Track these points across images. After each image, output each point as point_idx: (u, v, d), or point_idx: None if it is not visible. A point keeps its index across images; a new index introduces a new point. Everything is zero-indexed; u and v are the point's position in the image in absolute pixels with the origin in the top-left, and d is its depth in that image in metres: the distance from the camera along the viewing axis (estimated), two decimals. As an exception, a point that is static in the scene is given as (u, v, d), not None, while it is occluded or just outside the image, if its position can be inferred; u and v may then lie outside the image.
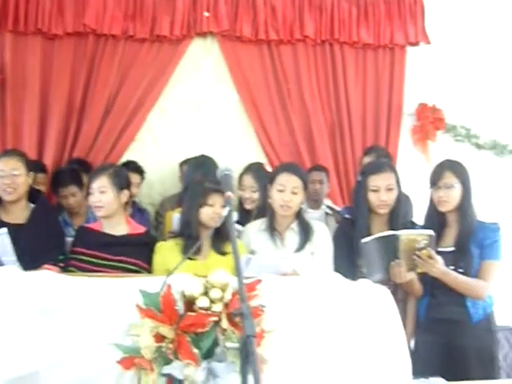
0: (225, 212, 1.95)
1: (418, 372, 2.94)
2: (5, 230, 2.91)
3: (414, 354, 3.14)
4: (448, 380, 2.71)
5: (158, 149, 4.87)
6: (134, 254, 3.09)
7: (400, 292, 3.21)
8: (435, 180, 3.13)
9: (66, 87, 4.63)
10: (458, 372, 2.90)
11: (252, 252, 3.15)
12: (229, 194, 2.03)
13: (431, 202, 3.19)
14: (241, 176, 3.77)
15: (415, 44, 5.11)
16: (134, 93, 4.71)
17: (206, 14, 4.76)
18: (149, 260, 3.08)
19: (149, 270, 3.05)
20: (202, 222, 3.01)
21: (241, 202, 3.82)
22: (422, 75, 5.10)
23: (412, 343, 3.24)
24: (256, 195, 3.65)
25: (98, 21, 4.63)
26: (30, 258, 2.88)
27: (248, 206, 3.70)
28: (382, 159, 3.64)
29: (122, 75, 4.72)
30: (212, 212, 2.98)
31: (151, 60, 4.76)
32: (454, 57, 5.13)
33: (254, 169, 3.79)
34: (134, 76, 4.73)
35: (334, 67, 4.99)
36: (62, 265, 3.11)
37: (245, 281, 1.78)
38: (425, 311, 3.19)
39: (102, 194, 3.12)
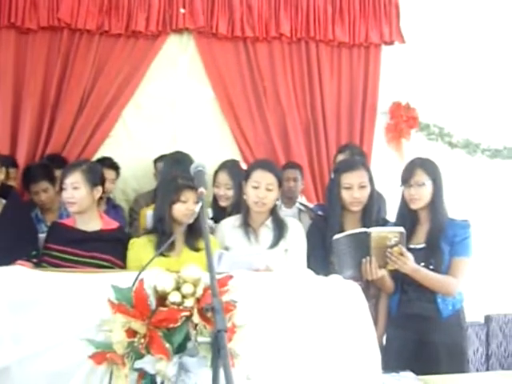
0: (197, 208, 1.95)
1: (389, 366, 2.99)
2: None
3: (386, 349, 3.22)
4: (418, 374, 2.76)
5: (133, 145, 4.85)
6: (106, 249, 3.08)
7: (372, 288, 3.25)
8: (406, 178, 3.17)
9: (39, 82, 4.59)
10: (427, 366, 2.95)
11: (226, 248, 3.15)
12: (201, 190, 2.04)
13: (403, 199, 3.23)
14: (216, 173, 3.78)
15: (390, 43, 5.15)
16: (109, 88, 4.69)
17: (182, 10, 4.75)
18: (122, 256, 3.07)
19: (122, 266, 3.04)
20: (175, 218, 3.01)
21: (215, 199, 3.82)
22: (397, 74, 5.14)
23: (384, 339, 3.29)
24: (231, 192, 3.66)
25: (73, 15, 4.59)
26: (2, 254, 2.84)
27: (223, 204, 3.71)
28: (356, 157, 3.67)
29: (97, 71, 4.69)
30: (185, 208, 2.98)
31: (126, 56, 4.74)
32: (429, 56, 5.19)
33: (229, 166, 3.80)
34: (108, 72, 4.70)
35: (309, 65, 5.01)
36: (35, 261, 3.09)
37: (217, 276, 1.79)
38: (396, 307, 3.22)
39: (75, 190, 3.10)
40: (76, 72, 4.64)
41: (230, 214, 3.49)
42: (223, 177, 3.70)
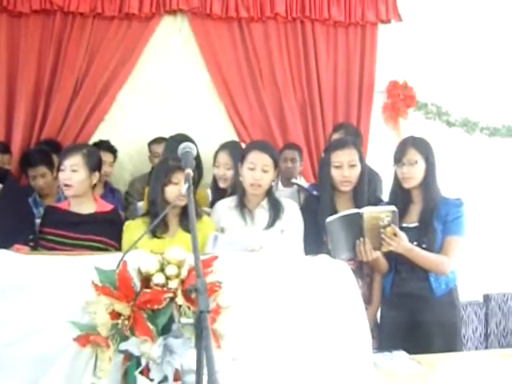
0: (184, 189, 1.94)
1: (383, 346, 3.01)
2: None
3: (380, 329, 3.22)
4: (411, 353, 2.76)
5: (128, 128, 4.83)
6: (100, 231, 3.10)
7: (366, 268, 3.25)
8: (399, 157, 3.15)
9: (33, 66, 4.57)
10: (421, 345, 2.96)
11: (222, 229, 3.15)
12: (188, 171, 2.02)
13: (395, 178, 3.21)
14: (216, 153, 3.75)
15: (386, 22, 5.11)
16: (103, 72, 4.66)
17: (175, -10, 4.70)
18: (116, 237, 3.09)
19: (116, 248, 3.06)
20: (168, 200, 3.00)
21: (215, 181, 3.81)
22: (394, 53, 5.10)
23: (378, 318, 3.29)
24: (230, 173, 3.62)
25: (66, -2, 4.54)
26: (-1, 239, 2.85)
27: (222, 185, 3.68)
28: (349, 136, 3.64)
29: (91, 54, 4.67)
30: (177, 190, 2.97)
31: (120, 38, 4.71)
32: (426, 34, 5.13)
33: (230, 146, 3.77)
34: (102, 55, 4.68)
35: (305, 45, 4.97)
36: (31, 244, 3.10)
37: (202, 257, 1.78)
38: (389, 287, 3.22)
39: (74, 173, 3.10)
40: (70, 56, 4.61)
41: (229, 196, 3.48)
42: (223, 156, 3.67)
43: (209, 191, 3.83)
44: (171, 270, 1.90)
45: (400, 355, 2.74)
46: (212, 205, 3.44)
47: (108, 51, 4.68)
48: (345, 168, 3.16)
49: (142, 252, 1.98)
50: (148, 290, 1.89)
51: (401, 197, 3.18)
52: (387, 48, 5.12)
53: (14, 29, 4.58)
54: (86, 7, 4.59)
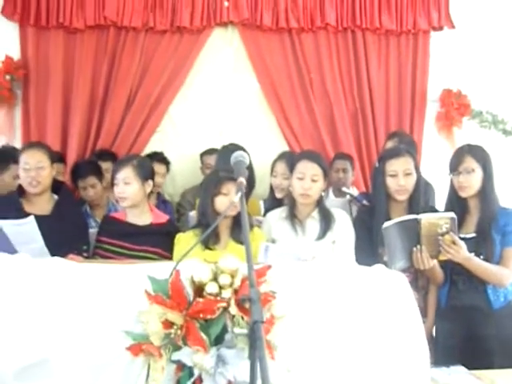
0: (236, 198, 1.92)
1: (439, 360, 2.91)
2: (32, 217, 2.92)
3: (435, 343, 3.13)
4: (469, 369, 2.67)
5: (180, 140, 4.89)
6: (156, 243, 3.14)
7: (421, 280, 3.18)
8: (455, 165, 3.07)
9: (88, 80, 4.68)
10: (480, 360, 2.85)
11: (273, 240, 3.14)
12: (241, 180, 2.00)
13: (452, 187, 3.13)
14: (274, 163, 3.76)
15: (439, 29, 5.03)
16: (156, 84, 4.74)
17: (225, 3, 4.75)
18: (170, 248, 3.10)
19: (170, 259, 3.06)
20: (218, 211, 3.00)
21: (272, 191, 3.80)
22: (447, 60, 5.02)
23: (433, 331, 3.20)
24: (286, 183, 3.61)
25: (119, 13, 4.66)
26: (54, 249, 2.88)
27: (278, 195, 3.68)
28: (402, 145, 3.58)
29: (144, 67, 4.75)
30: (227, 201, 2.97)
31: (172, 51, 4.78)
32: (479, 41, 5.03)
33: (287, 156, 3.77)
34: (155, 68, 4.75)
35: (356, 54, 4.95)
36: (85, 255, 3.15)
37: (255, 267, 1.76)
38: (445, 299, 3.13)
39: (127, 186, 3.15)
40: (123, 69, 4.71)
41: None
42: (281, 166, 3.68)
43: (261, 202, 3.82)
44: (225, 280, 1.88)
45: (458, 370, 2.64)
46: (266, 215, 3.42)
47: (160, 64, 4.75)
48: (400, 177, 3.10)
49: (195, 261, 1.97)
50: (201, 300, 1.88)
51: (457, 206, 3.09)
52: (440, 56, 5.04)
53: (70, 44, 4.71)
54: (139, 22, 4.68)
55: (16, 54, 4.66)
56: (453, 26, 5.00)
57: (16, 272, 1.92)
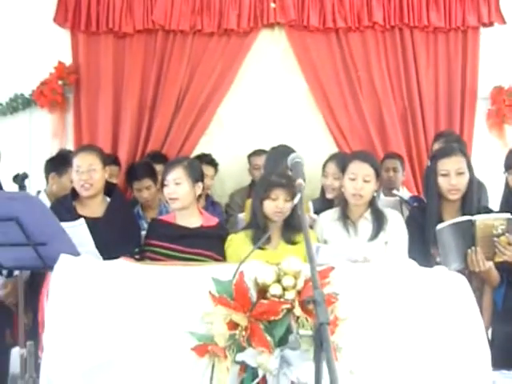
0: (296, 199, 1.92)
1: (495, 364, 2.84)
2: (82, 220, 2.94)
3: (492, 346, 3.06)
4: (529, 372, 2.62)
5: (228, 141, 4.91)
6: (208, 246, 3.10)
7: (475, 281, 3.11)
8: (510, 163, 3.01)
9: (137, 83, 4.75)
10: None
11: (325, 241, 3.13)
12: (299, 181, 2.00)
13: (507, 186, 3.07)
14: (325, 163, 3.75)
15: (489, 25, 4.94)
16: (204, 87, 4.77)
17: (272, 5, 4.75)
18: (222, 252, 3.10)
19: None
20: (266, 214, 3.01)
21: (323, 191, 3.79)
22: (497, 57, 4.92)
23: (489, 334, 3.14)
24: (337, 183, 3.60)
25: (167, 17, 4.71)
26: (106, 252, 2.91)
27: (329, 195, 3.67)
28: (453, 144, 3.52)
29: (192, 70, 4.79)
30: (274, 206, 2.97)
31: (220, 53, 4.80)
32: (531, 36, 4.93)
33: (339, 157, 3.76)
34: (203, 70, 4.78)
35: (404, 53, 4.89)
36: (137, 257, 3.16)
37: (317, 268, 1.76)
38: (501, 301, 3.07)
39: (178, 186, 3.13)
40: (172, 72, 4.76)
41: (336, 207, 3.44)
42: (332, 167, 3.66)
43: (310, 203, 3.80)
44: (288, 281, 1.89)
45: (518, 373, 2.61)
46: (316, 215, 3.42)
47: (208, 66, 4.79)
48: (452, 176, 3.05)
49: (258, 263, 1.98)
50: (265, 301, 1.89)
51: (514, 206, 3.03)
52: (490, 52, 4.95)
53: (119, 49, 4.79)
54: (186, 25, 4.73)
55: (68, 60, 4.76)
56: (504, 22, 4.90)
57: (82, 273, 1.95)
